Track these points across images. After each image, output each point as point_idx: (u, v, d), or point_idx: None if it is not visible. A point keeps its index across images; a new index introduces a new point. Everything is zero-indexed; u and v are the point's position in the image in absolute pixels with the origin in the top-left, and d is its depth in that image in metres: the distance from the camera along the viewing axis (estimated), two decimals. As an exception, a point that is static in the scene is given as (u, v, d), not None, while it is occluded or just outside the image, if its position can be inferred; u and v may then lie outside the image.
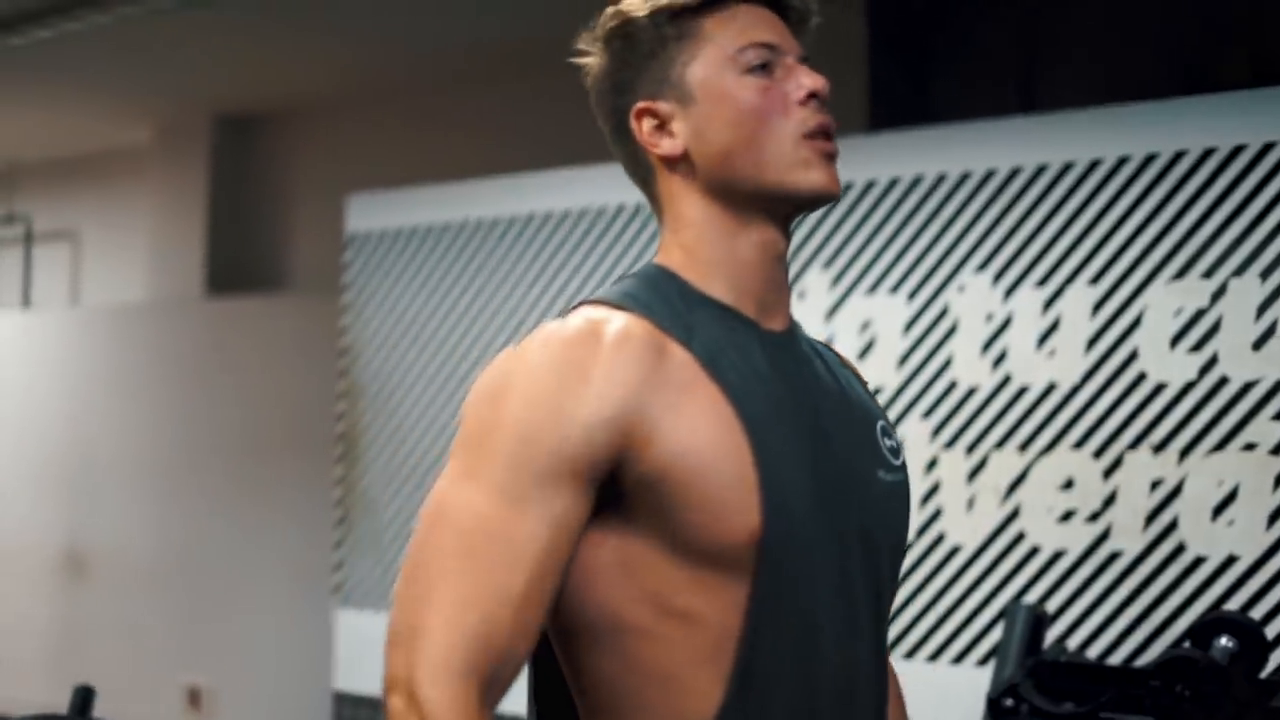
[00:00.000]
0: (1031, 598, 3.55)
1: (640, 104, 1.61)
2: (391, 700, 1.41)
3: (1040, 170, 3.66)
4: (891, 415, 3.83)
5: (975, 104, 4.46)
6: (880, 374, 3.85)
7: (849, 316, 3.93)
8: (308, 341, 6.34)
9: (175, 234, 7.65)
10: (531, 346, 1.51)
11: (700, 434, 1.50)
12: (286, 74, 6.79)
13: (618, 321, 1.52)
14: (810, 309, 3.96)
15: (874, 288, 3.90)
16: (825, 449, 1.60)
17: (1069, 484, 3.54)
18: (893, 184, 3.88)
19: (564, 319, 1.54)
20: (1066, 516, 3.53)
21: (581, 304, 1.59)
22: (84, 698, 2.94)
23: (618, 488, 1.50)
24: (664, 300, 1.58)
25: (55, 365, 7.95)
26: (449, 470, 1.49)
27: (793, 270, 4.04)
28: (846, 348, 3.91)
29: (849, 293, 3.94)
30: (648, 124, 1.62)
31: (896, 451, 1.72)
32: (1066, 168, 3.62)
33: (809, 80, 1.59)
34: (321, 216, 6.71)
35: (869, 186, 3.92)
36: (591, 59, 1.66)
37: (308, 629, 6.06)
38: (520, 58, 5.58)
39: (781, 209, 1.62)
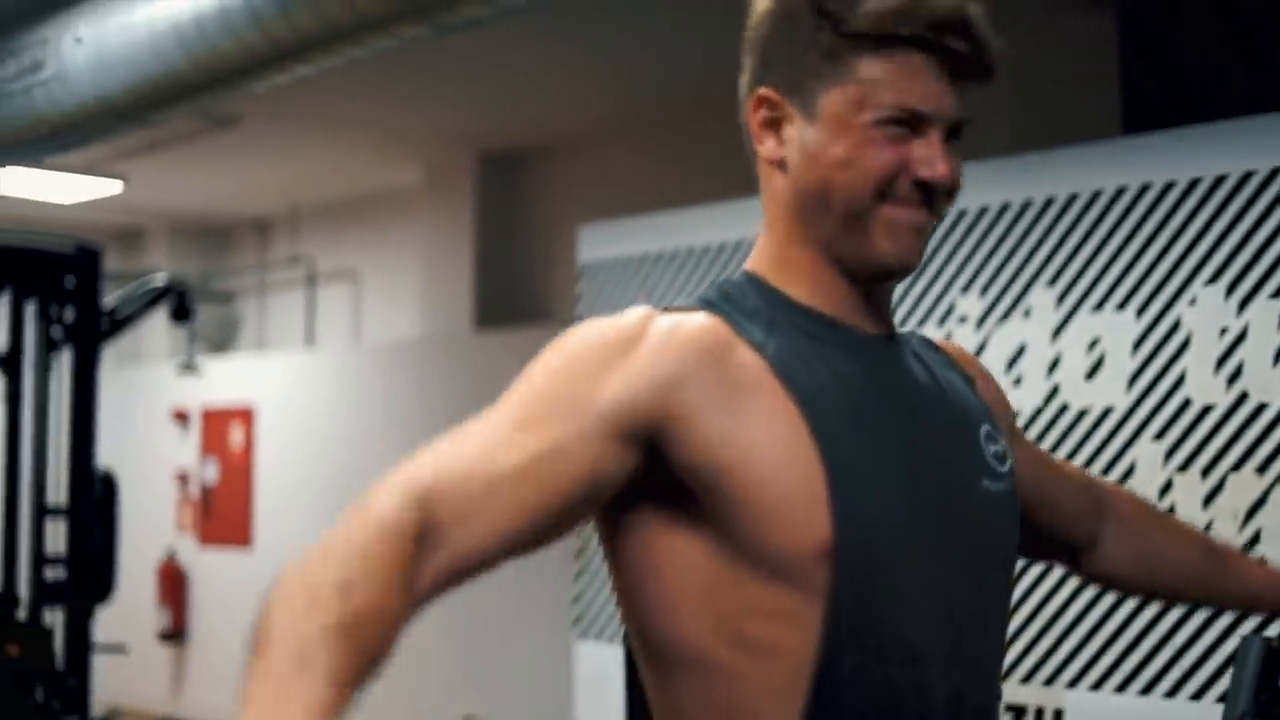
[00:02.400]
0: (1272, 630, 3.30)
1: (765, 90, 1.52)
2: None
3: (1275, 172, 3.42)
4: (1121, 438, 3.63)
5: (1219, 104, 4.21)
6: (1109, 394, 3.65)
7: (1076, 334, 3.74)
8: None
9: (445, 270, 7.84)
10: (593, 323, 1.47)
11: (762, 434, 1.41)
12: (544, 111, 6.92)
13: (680, 316, 1.47)
14: (1036, 327, 3.79)
15: (1101, 303, 3.71)
16: (921, 458, 1.49)
17: (1312, 508, 3.29)
18: (1119, 193, 3.69)
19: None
20: None
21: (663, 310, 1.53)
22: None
23: (672, 478, 1.42)
24: (744, 305, 1.51)
25: (337, 400, 8.23)
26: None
27: (1016, 288, 3.88)
28: (1074, 367, 3.73)
29: (1075, 309, 3.75)
30: (762, 114, 1.53)
31: (1002, 457, 1.58)
32: (1304, 169, 3.38)
33: (931, 171, 1.46)
34: (574, 248, 6.78)
35: (1094, 198, 3.73)
36: (762, 5, 1.54)
37: (556, 660, 6.11)
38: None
39: (857, 269, 1.52)
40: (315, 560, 1.22)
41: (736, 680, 1.44)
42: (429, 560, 1.29)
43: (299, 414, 8.46)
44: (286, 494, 8.49)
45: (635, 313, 1.47)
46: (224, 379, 8.97)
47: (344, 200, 8.84)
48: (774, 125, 1.52)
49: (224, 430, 8.98)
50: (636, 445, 1.41)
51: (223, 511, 8.96)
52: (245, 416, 8.83)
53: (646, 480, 1.44)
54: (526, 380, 1.43)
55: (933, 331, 3.95)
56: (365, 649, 1.19)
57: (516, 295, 7.69)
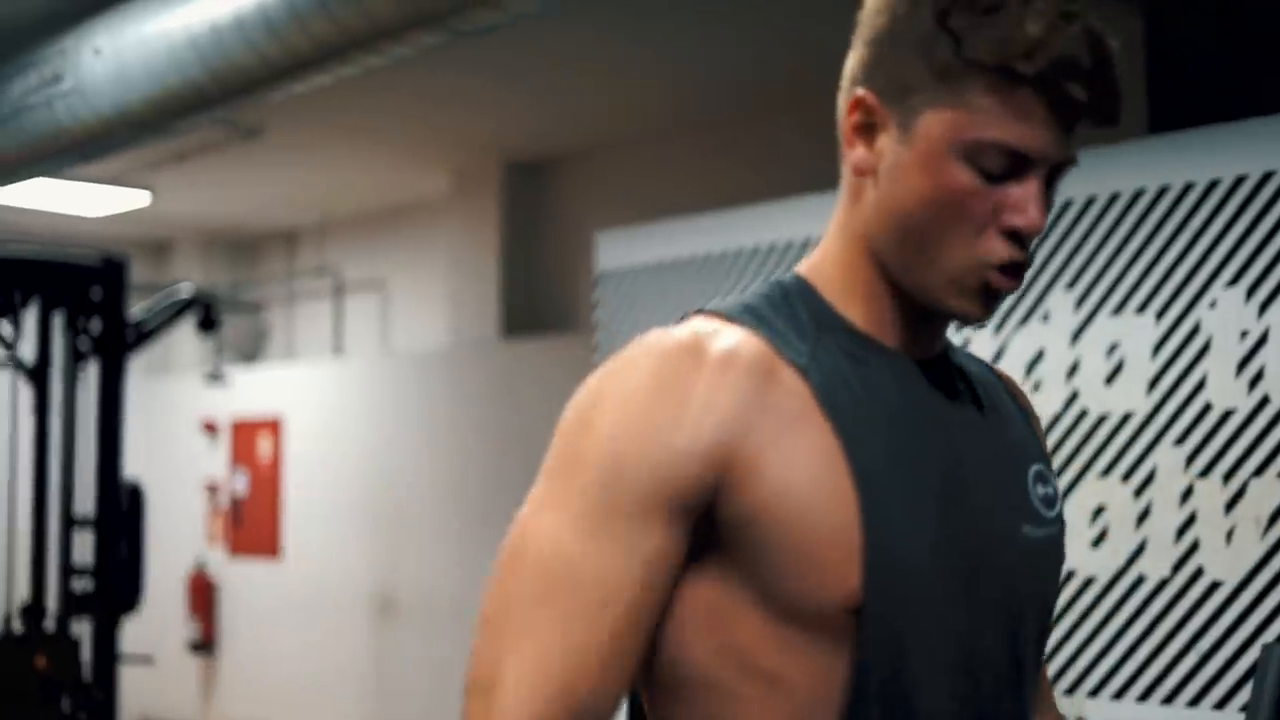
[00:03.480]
0: (1295, 639, 3.26)
1: (865, 93, 1.40)
2: None
3: (1295, 173, 3.38)
4: (1142, 443, 3.59)
5: (1240, 105, 4.16)
6: (1129, 399, 3.61)
7: (1095, 339, 3.70)
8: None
9: (471, 279, 7.84)
10: (627, 360, 1.36)
11: (799, 474, 1.33)
12: (570, 118, 6.92)
13: (726, 338, 1.36)
14: (1054, 332, 3.75)
15: (1120, 307, 3.66)
16: (961, 501, 1.41)
17: (1335, 513, 3.24)
18: (1138, 194, 3.64)
19: (668, 329, 1.39)
20: (1333, 549, 3.23)
21: (697, 312, 1.44)
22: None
23: (713, 525, 1.35)
24: (789, 318, 1.42)
25: (365, 410, 8.23)
26: (534, 496, 1.36)
27: (1034, 292, 3.84)
28: (1093, 371, 3.69)
29: (1095, 313, 3.71)
30: (857, 118, 1.41)
31: (1051, 501, 1.50)
32: (1324, 169, 3.33)
33: (1024, 219, 1.35)
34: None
35: (1113, 199, 3.69)
36: None
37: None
38: (771, 95, 5.53)
39: (921, 301, 1.43)
40: None
41: (744, 706, 1.37)
42: None
43: (327, 424, 8.47)
44: (315, 504, 8.50)
45: (672, 345, 1.36)
46: (252, 390, 8.99)
47: (371, 210, 8.86)
48: (867, 131, 1.41)
49: (253, 441, 9.00)
50: (701, 508, 1.34)
51: (252, 522, 8.97)
52: (274, 427, 8.85)
53: None
54: (575, 460, 1.34)
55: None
56: None
57: (543, 304, 7.68)
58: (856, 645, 1.34)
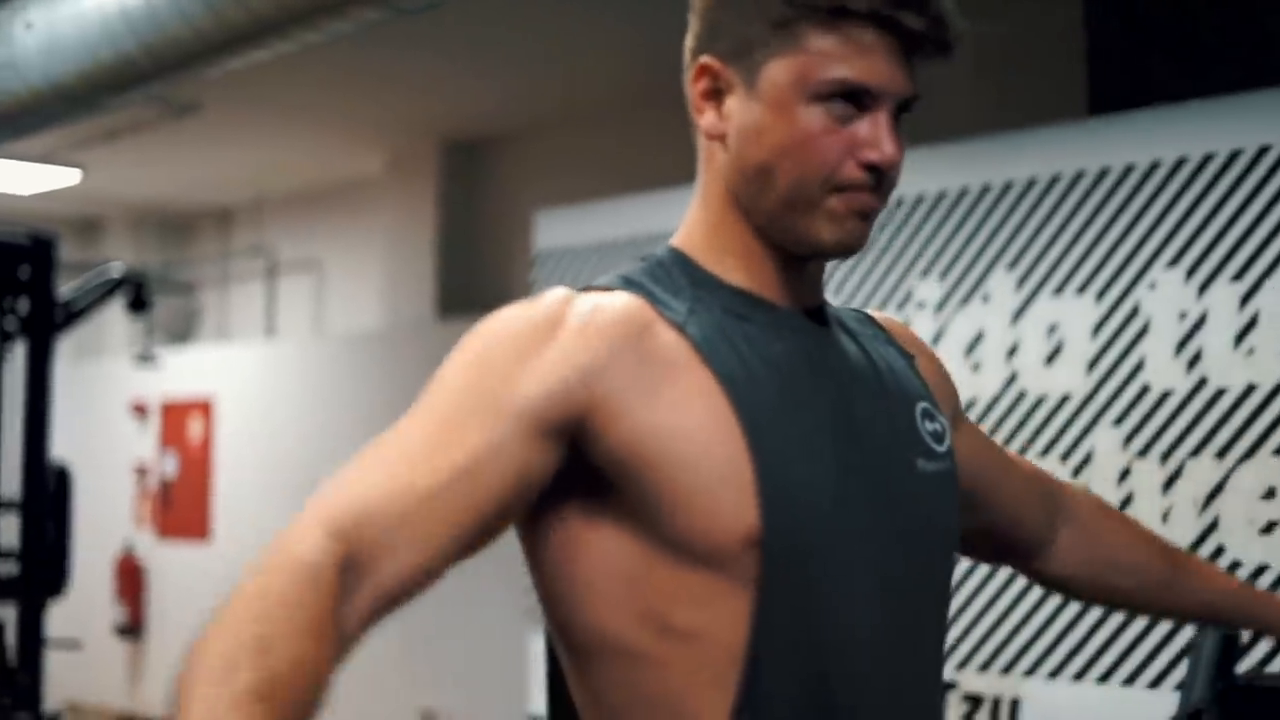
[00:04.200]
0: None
1: (708, 59, 1.44)
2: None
3: (1235, 155, 3.39)
4: (1080, 423, 3.60)
5: (1181, 86, 4.18)
6: (1069, 380, 3.62)
7: (1035, 319, 3.71)
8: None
9: (407, 259, 7.78)
10: (504, 310, 1.40)
11: (684, 418, 1.35)
12: (507, 98, 6.87)
13: (599, 297, 1.39)
14: (995, 312, 3.75)
15: (1060, 288, 3.67)
16: (853, 439, 1.43)
17: (1271, 493, 3.26)
18: (1079, 176, 3.65)
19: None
20: (1270, 528, 3.26)
21: (582, 290, 1.46)
22: None
23: (591, 467, 1.36)
24: (667, 283, 1.44)
25: (298, 392, 8.16)
26: None
27: (976, 272, 3.85)
28: (1033, 352, 3.69)
29: (1035, 294, 3.72)
30: (703, 84, 1.45)
31: (940, 436, 1.52)
32: (1263, 151, 3.35)
33: (878, 153, 1.39)
34: (537, 237, 6.74)
35: (1053, 181, 3.70)
36: None
37: (512, 652, 6.06)
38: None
39: (795, 249, 1.46)
40: (232, 614, 1.14)
41: (664, 669, 1.38)
42: (355, 598, 1.22)
43: (259, 406, 8.39)
44: (246, 487, 8.42)
45: (551, 296, 1.39)
46: (183, 371, 8.88)
47: (307, 189, 8.78)
48: (715, 96, 1.45)
49: (183, 422, 8.90)
50: (560, 440, 1.34)
51: (181, 505, 8.88)
52: (204, 409, 8.75)
53: (566, 470, 1.37)
54: (440, 382, 1.35)
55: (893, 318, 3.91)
56: (287, 711, 1.10)
57: (479, 284, 7.63)
58: (758, 584, 1.35)
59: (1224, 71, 4.23)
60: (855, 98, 1.39)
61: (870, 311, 1.65)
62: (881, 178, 1.41)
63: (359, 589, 1.23)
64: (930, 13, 1.38)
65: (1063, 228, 3.68)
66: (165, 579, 8.96)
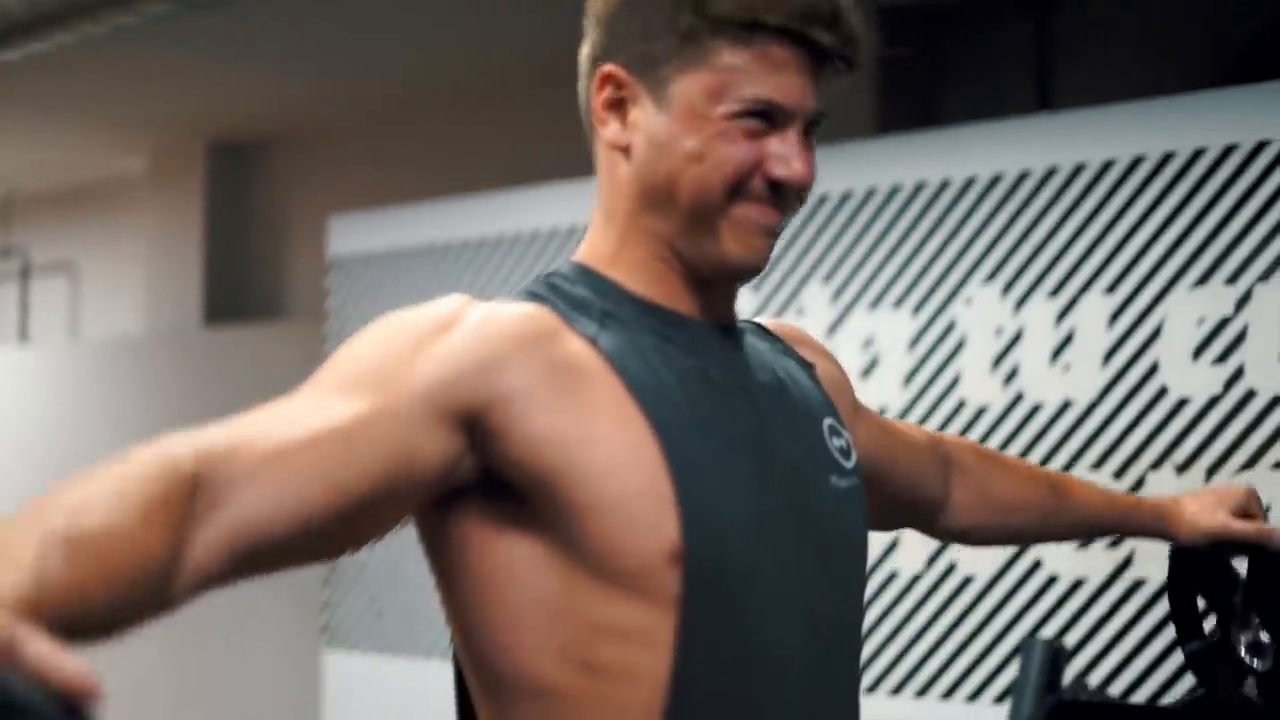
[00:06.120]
0: (1049, 631, 3.32)
1: (612, 68, 1.39)
2: None
3: (1050, 173, 3.44)
4: (897, 437, 3.61)
5: (982, 105, 4.24)
6: (884, 394, 3.63)
7: (850, 333, 3.71)
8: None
9: (172, 263, 7.50)
10: (398, 311, 1.35)
11: (595, 429, 1.30)
12: (277, 99, 6.65)
13: (502, 304, 1.35)
14: (810, 325, 3.74)
15: (876, 302, 3.68)
16: (769, 457, 1.40)
17: (1087, 508, 3.30)
18: (894, 191, 3.66)
19: None
20: (1085, 543, 3.30)
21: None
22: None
23: (499, 481, 1.30)
24: (573, 297, 1.40)
25: (51, 401, 7.81)
26: None
27: (790, 284, 3.83)
28: (848, 365, 3.69)
29: (850, 308, 3.72)
30: (607, 94, 1.40)
31: (847, 451, 1.50)
32: (1078, 169, 3.40)
33: (787, 170, 1.37)
34: (318, 242, 6.54)
35: (869, 194, 3.70)
36: None
37: (300, 670, 5.86)
38: (512, 78, 5.43)
39: (701, 268, 1.42)
40: (65, 483, 1.08)
41: (588, 708, 1.31)
42: (204, 520, 1.13)
43: (9, 416, 7.99)
44: (-4, 500, 8.01)
45: (450, 299, 1.34)
46: (-74, 378, 8.41)
47: (63, 188, 8.38)
48: (619, 106, 1.40)
49: (-74, 432, 8.42)
50: (454, 430, 1.27)
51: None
52: (-49, 417, 8.30)
53: (472, 483, 1.30)
54: (332, 361, 1.30)
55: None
56: (91, 565, 1.02)
57: (250, 290, 7.38)
58: (682, 606, 1.30)
59: (1054, 86, 4.32)
60: (767, 115, 1.36)
61: (762, 320, 1.61)
62: (787, 195, 1.38)
63: (209, 514, 1.14)
64: (841, 30, 1.36)
65: (879, 242, 3.69)
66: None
